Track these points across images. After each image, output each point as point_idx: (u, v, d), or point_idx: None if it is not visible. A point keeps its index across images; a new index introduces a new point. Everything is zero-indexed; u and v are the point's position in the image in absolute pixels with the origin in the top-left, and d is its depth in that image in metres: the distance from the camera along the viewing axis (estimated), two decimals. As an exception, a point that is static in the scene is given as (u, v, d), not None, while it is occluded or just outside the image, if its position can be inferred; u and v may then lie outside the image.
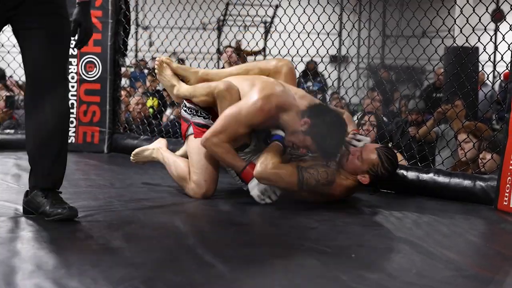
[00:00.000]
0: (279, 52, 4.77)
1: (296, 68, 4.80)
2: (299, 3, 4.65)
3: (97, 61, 5.18)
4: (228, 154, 3.17)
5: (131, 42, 5.81)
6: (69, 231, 2.49)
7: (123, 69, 5.67)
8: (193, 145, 3.33)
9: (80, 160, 4.83)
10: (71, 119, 5.21)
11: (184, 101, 3.47)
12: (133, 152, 3.75)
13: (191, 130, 3.39)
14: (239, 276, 2.00)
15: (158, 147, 3.65)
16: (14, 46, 5.60)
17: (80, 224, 2.61)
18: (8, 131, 5.42)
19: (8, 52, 5.79)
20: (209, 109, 3.37)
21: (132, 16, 5.67)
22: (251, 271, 2.06)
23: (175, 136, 5.17)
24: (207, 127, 3.29)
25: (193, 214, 3.00)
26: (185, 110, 3.45)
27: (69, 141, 5.14)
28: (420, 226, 2.84)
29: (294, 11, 4.67)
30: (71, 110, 5.21)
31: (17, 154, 4.82)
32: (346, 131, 3.19)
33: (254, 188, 3.13)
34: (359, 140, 3.25)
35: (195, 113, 3.40)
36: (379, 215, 3.05)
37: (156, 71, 3.63)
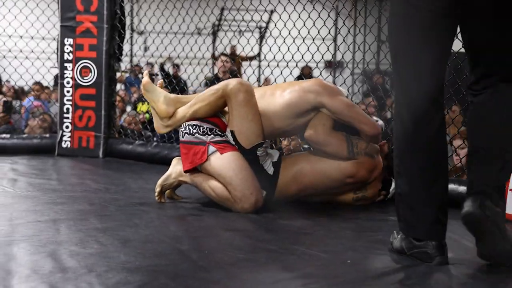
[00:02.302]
0: (274, 57, 4.79)
1: (291, 73, 4.83)
2: (294, 8, 4.67)
3: (92, 66, 5.19)
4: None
5: (126, 47, 5.81)
6: (65, 235, 2.49)
7: (118, 74, 5.68)
8: (221, 162, 3.12)
9: (76, 164, 4.84)
10: (66, 124, 5.22)
11: (187, 127, 3.23)
12: (157, 188, 3.31)
13: (212, 148, 3.14)
14: (234, 282, 2.00)
15: (180, 170, 3.31)
16: (9, 50, 5.64)
17: (76, 228, 2.61)
18: (4, 135, 5.42)
19: (4, 57, 5.80)
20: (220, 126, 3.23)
21: (127, 21, 5.68)
22: (245, 277, 2.06)
23: (170, 141, 5.17)
24: (227, 142, 3.17)
25: (188, 219, 3.00)
26: (193, 134, 3.19)
27: (65, 146, 5.18)
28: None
29: (289, 16, 4.68)
30: (66, 115, 5.22)
31: (13, 159, 4.84)
32: None
33: None
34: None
35: (209, 133, 3.19)
36: (374, 221, 3.05)
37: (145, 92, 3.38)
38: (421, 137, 2.22)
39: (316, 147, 3.28)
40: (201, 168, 3.19)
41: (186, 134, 3.21)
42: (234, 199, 3.09)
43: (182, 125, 3.26)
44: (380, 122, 3.46)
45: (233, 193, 3.08)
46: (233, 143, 3.17)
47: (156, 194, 3.29)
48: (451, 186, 3.46)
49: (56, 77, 6.13)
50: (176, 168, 3.32)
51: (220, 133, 3.19)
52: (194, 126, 3.20)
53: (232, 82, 3.16)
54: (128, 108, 8.87)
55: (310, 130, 3.23)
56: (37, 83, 8.31)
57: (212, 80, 8.09)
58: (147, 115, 8.05)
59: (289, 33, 4.67)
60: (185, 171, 3.22)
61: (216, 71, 12.20)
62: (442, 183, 2.26)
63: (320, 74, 5.23)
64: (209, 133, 3.18)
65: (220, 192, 3.13)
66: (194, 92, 8.63)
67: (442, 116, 2.25)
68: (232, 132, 3.15)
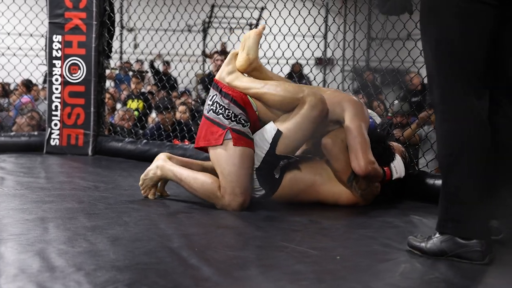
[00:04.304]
0: (264, 54, 4.78)
1: (281, 70, 4.82)
2: (285, 5, 4.66)
3: (81, 63, 5.17)
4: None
5: (115, 44, 5.79)
6: (53, 234, 2.47)
7: (107, 71, 5.65)
8: (228, 153, 3.09)
9: (64, 162, 4.82)
10: (54, 121, 5.19)
11: (215, 104, 3.17)
12: (140, 183, 3.33)
13: (229, 135, 3.09)
14: (224, 279, 1.99)
15: (161, 164, 3.28)
16: (8, 48, 5.60)
17: (65, 227, 2.59)
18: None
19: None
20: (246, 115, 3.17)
21: (117, 18, 5.66)
22: (236, 274, 2.05)
23: (160, 139, 5.16)
24: (244, 135, 3.12)
25: (178, 216, 2.99)
26: (218, 114, 3.14)
27: (53, 143, 5.16)
28: (405, 228, 2.85)
29: (280, 13, 4.68)
30: (55, 113, 5.19)
31: (1, 157, 4.81)
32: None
33: None
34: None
35: (232, 118, 3.12)
36: (364, 217, 3.05)
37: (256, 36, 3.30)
38: (483, 134, 2.26)
39: (327, 156, 3.24)
40: (210, 149, 3.17)
41: (212, 112, 3.17)
42: (223, 194, 3.08)
43: (211, 99, 3.22)
44: (378, 119, 3.45)
45: (224, 186, 3.08)
46: (251, 137, 3.14)
47: (141, 189, 3.32)
48: (439, 183, 3.46)
49: (45, 75, 6.10)
50: (157, 163, 3.30)
51: (243, 121, 3.13)
52: (222, 107, 3.15)
53: (317, 95, 3.14)
54: (118, 106, 8.84)
55: (329, 139, 3.21)
56: (25, 82, 8.25)
57: (203, 79, 8.10)
58: (136, 113, 8.03)
59: (279, 30, 4.66)
60: (196, 148, 3.25)
61: (206, 68, 12.21)
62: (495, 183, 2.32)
63: (311, 71, 5.22)
64: (233, 119, 3.12)
65: (207, 187, 3.12)
66: (184, 90, 8.64)
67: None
68: (277, 131, 3.12)
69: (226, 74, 3.25)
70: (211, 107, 3.19)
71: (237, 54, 3.31)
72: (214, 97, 3.20)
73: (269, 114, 3.19)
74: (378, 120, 3.50)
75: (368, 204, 3.29)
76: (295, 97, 3.13)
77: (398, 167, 3.37)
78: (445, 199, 2.30)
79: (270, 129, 3.14)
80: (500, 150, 2.40)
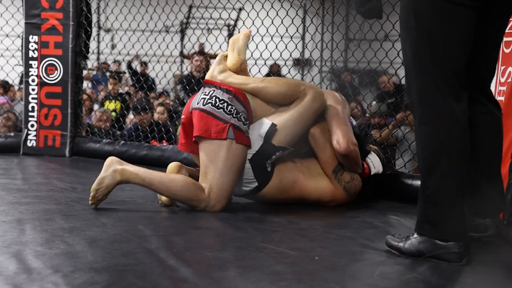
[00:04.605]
0: (242, 55, 4.77)
1: (259, 71, 4.82)
2: (263, 6, 4.67)
3: (58, 64, 5.13)
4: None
5: (93, 44, 5.75)
6: (30, 235, 2.45)
7: (84, 72, 5.62)
8: (227, 152, 3.01)
9: (41, 164, 4.78)
10: (31, 122, 5.15)
11: (213, 97, 3.08)
12: (91, 193, 2.99)
13: (231, 133, 3.01)
14: (203, 280, 1.99)
15: (120, 168, 3.02)
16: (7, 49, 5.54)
17: (42, 228, 2.57)
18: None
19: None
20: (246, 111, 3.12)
21: (94, 18, 5.62)
22: (215, 275, 2.05)
23: (138, 140, 5.14)
24: (244, 133, 3.05)
25: (156, 217, 2.98)
26: (218, 107, 3.05)
27: (30, 145, 5.12)
28: (383, 228, 2.87)
29: (258, 14, 4.68)
30: (32, 114, 5.15)
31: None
32: None
33: None
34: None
35: (235, 115, 3.05)
36: (342, 218, 3.07)
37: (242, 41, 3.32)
38: (462, 137, 2.28)
39: (313, 145, 3.26)
40: (201, 142, 3.06)
41: (210, 104, 3.06)
42: (208, 193, 2.99)
43: (207, 93, 3.13)
44: (354, 122, 3.47)
45: (211, 186, 2.99)
46: (248, 136, 3.09)
47: (90, 199, 2.99)
48: (417, 183, 3.49)
49: (21, 75, 6.06)
50: (113, 168, 3.02)
51: (243, 119, 3.07)
52: (222, 101, 3.07)
53: (318, 89, 3.23)
54: (96, 107, 8.79)
55: (317, 129, 3.24)
56: (1, 83, 8.18)
57: (181, 79, 8.07)
58: (113, 114, 7.99)
59: (257, 31, 4.66)
60: (194, 137, 3.08)
61: (184, 69, 12.18)
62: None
63: (289, 72, 5.23)
64: (234, 115, 3.05)
65: (190, 188, 2.99)
66: (162, 91, 8.60)
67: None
68: (272, 125, 3.10)
69: (218, 73, 3.23)
70: (209, 101, 3.08)
71: (226, 55, 3.32)
72: (212, 92, 3.13)
73: (265, 112, 3.18)
74: (354, 122, 3.53)
75: (350, 200, 3.30)
76: (298, 90, 3.18)
77: (375, 162, 3.40)
78: (423, 201, 2.31)
79: (262, 124, 3.13)
80: (485, 146, 2.44)
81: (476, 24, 2.27)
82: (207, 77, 3.27)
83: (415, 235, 2.33)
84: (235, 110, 3.07)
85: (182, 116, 3.25)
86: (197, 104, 3.12)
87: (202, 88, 3.23)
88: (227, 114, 3.04)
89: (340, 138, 3.18)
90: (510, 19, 2.52)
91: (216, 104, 3.06)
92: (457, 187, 2.27)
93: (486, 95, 2.48)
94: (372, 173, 3.38)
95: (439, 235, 2.27)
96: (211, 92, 3.13)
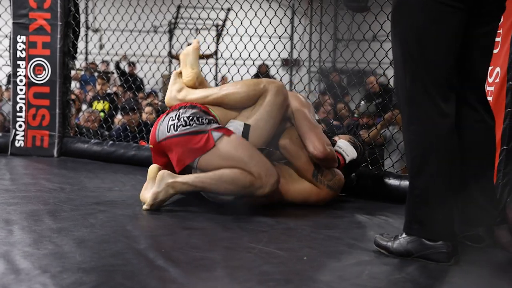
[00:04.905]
0: (231, 55, 4.78)
1: (248, 71, 4.83)
2: (251, 7, 4.67)
3: (46, 64, 5.11)
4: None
5: (81, 44, 5.73)
6: (18, 236, 2.45)
7: (72, 72, 5.60)
8: (233, 144, 3.01)
9: (29, 164, 4.76)
10: (19, 123, 5.13)
11: (181, 119, 3.06)
12: (148, 208, 3.04)
13: (217, 134, 3.00)
14: (191, 280, 1.99)
15: (170, 182, 3.04)
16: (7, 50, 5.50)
17: (30, 229, 2.56)
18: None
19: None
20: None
21: (82, 18, 5.61)
22: (203, 275, 2.06)
23: (126, 140, 5.13)
24: (224, 128, 3.07)
25: (144, 218, 2.97)
26: (191, 124, 3.02)
27: (18, 145, 5.10)
28: (371, 228, 2.88)
29: (246, 15, 4.69)
30: (19, 114, 5.13)
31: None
32: None
33: None
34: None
35: (208, 122, 3.05)
36: (330, 218, 3.07)
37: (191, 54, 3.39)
38: (451, 136, 2.29)
39: (287, 157, 3.24)
40: (202, 160, 3.02)
41: (181, 127, 3.03)
42: (257, 177, 2.96)
43: (175, 117, 3.10)
44: (317, 117, 3.48)
45: (254, 170, 2.96)
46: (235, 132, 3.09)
47: (149, 208, 3.04)
48: (405, 183, 3.50)
49: (9, 76, 6.03)
50: (165, 182, 3.03)
51: (216, 124, 3.06)
52: (191, 117, 3.05)
53: (277, 83, 3.19)
54: (84, 107, 8.77)
55: (286, 139, 3.22)
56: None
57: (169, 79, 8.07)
58: (102, 114, 7.97)
59: (246, 31, 4.67)
60: (179, 172, 3.06)
61: (172, 69, 12.15)
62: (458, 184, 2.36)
63: (277, 72, 5.24)
64: (208, 123, 3.05)
65: (240, 178, 2.96)
66: (151, 91, 8.59)
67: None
68: (245, 125, 3.09)
69: (176, 93, 3.27)
70: (179, 124, 3.06)
71: (180, 72, 3.34)
72: (177, 114, 3.10)
73: (230, 118, 3.18)
74: (317, 117, 3.56)
75: (336, 195, 3.31)
76: (258, 88, 3.16)
77: (346, 150, 3.41)
78: (412, 200, 2.32)
79: (236, 126, 3.12)
80: (475, 153, 2.45)
81: (465, 26, 2.28)
82: (166, 100, 3.32)
83: (404, 235, 2.34)
84: (206, 119, 3.07)
85: (151, 146, 3.22)
86: (168, 132, 3.08)
87: (165, 115, 3.17)
88: (201, 124, 3.04)
89: (316, 143, 3.16)
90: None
91: (188, 122, 3.04)
92: (445, 187, 2.28)
93: (481, 100, 2.47)
94: (347, 161, 3.39)
95: (428, 234, 2.29)
96: (177, 115, 3.10)
